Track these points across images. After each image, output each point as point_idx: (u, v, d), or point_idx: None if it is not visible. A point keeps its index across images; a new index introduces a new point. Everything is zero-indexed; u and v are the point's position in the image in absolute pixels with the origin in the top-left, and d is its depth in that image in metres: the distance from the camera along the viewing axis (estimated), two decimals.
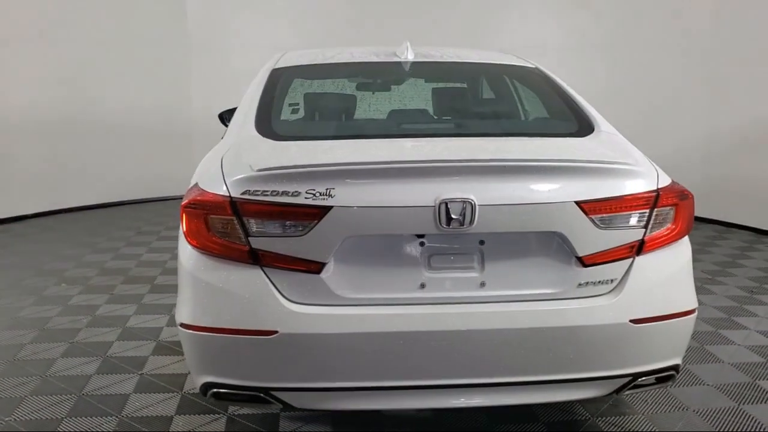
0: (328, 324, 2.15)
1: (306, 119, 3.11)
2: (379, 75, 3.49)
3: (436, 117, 3.17)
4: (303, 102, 3.16)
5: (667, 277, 2.34)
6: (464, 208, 2.12)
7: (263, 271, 2.20)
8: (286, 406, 2.25)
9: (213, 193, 2.24)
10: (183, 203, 2.31)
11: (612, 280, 2.27)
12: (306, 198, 2.14)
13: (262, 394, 2.23)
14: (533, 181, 2.20)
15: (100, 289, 4.58)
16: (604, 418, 2.88)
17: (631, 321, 2.24)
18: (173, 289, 4.26)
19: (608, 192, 2.23)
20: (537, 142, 2.51)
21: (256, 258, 2.20)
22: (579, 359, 2.23)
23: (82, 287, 4.64)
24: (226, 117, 4.85)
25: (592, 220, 2.21)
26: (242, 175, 2.21)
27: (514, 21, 7.92)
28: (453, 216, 2.13)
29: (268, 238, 2.19)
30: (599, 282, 2.26)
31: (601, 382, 2.28)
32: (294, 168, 2.18)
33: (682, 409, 2.95)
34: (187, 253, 2.31)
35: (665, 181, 2.35)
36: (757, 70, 6.24)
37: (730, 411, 2.94)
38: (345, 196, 2.13)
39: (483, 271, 2.23)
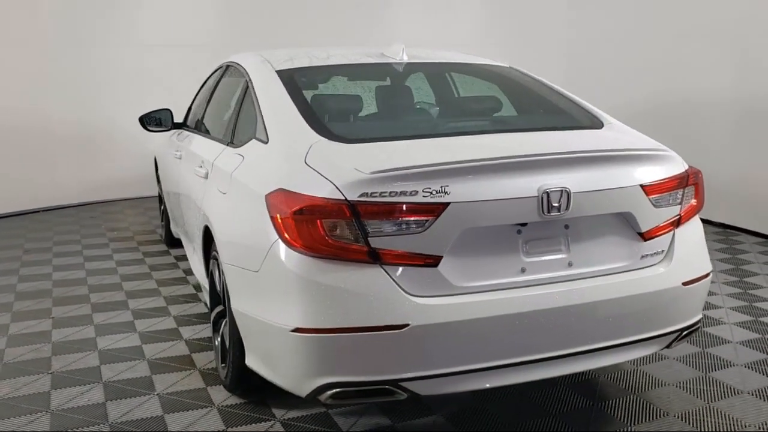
0: (452, 313, 2.29)
1: (355, 121, 3.16)
2: (389, 75, 3.61)
3: (469, 114, 3.35)
4: (327, 103, 3.20)
5: (695, 244, 2.76)
6: (561, 196, 2.37)
7: (383, 268, 2.28)
8: (411, 395, 2.35)
9: (325, 198, 2.27)
10: (290, 210, 2.31)
11: (662, 251, 2.64)
12: (424, 196, 2.26)
13: (389, 387, 2.31)
14: (611, 168, 2.50)
15: (35, 314, 4.19)
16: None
17: (682, 283, 2.63)
18: (118, 305, 4.08)
19: (660, 175, 2.60)
20: (582, 134, 2.82)
21: (376, 257, 2.27)
22: (647, 320, 2.58)
23: (10, 314, 4.21)
24: (147, 121, 4.68)
25: (650, 200, 2.57)
26: (356, 179, 2.27)
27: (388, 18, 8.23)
28: (553, 204, 2.36)
29: (387, 237, 2.27)
30: (655, 253, 2.63)
31: (660, 338, 2.65)
32: (410, 168, 2.29)
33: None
34: (293, 258, 2.32)
35: (685, 163, 2.77)
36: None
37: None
38: (459, 192, 2.28)
39: (569, 252, 2.49)
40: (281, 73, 3.19)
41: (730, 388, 3.15)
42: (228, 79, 4.05)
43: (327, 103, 3.18)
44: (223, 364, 3.13)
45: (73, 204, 7.58)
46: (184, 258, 5.34)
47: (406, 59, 3.44)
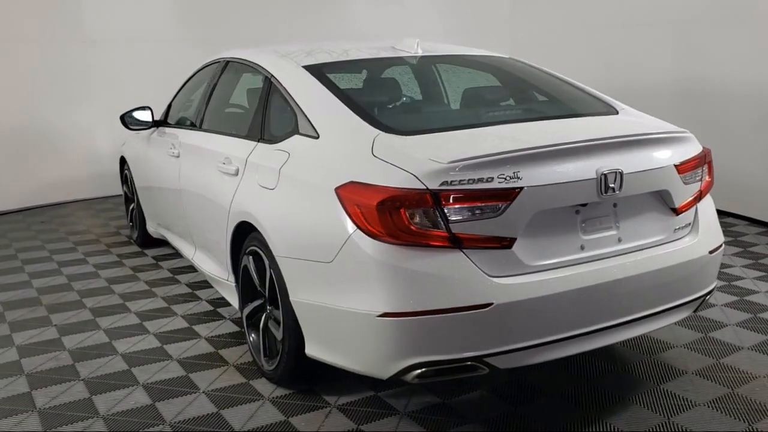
0: (528, 290, 2.46)
1: (402, 113, 3.24)
2: (411, 68, 3.71)
3: (503, 103, 3.50)
4: (369, 97, 3.28)
5: (712, 216, 3.05)
6: (616, 178, 2.58)
7: (463, 252, 2.42)
8: (492, 369, 2.50)
9: (407, 188, 2.38)
10: (373, 202, 2.40)
11: (689, 224, 2.91)
12: (499, 182, 2.41)
13: (474, 363, 2.45)
14: (651, 150, 2.74)
15: (34, 323, 4.05)
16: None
17: (709, 252, 2.91)
18: (117, 309, 4.03)
19: (687, 154, 2.85)
20: (613, 119, 3.05)
21: (457, 242, 2.41)
22: (683, 287, 2.84)
23: (7, 324, 4.05)
24: (129, 120, 4.62)
25: (681, 178, 2.82)
26: (435, 168, 2.39)
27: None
28: (609, 185, 2.57)
29: (466, 222, 2.41)
30: (685, 226, 2.89)
31: (690, 304, 2.92)
32: (485, 157, 2.43)
33: None
34: (377, 247, 2.42)
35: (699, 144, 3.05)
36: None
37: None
38: (530, 177, 2.45)
39: (618, 229, 2.70)
40: (309, 69, 3.25)
41: (732, 345, 3.49)
42: (230, 75, 4.04)
43: (368, 97, 3.26)
44: (267, 357, 3.18)
45: (15, 209, 7.24)
46: (163, 258, 5.27)
47: (421, 52, 3.57)
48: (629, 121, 3.07)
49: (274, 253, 2.90)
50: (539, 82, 3.55)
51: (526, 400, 3.01)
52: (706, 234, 2.93)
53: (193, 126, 4.23)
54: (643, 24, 6.67)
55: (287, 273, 2.84)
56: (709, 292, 3.00)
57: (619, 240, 2.70)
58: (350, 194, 2.52)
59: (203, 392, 3.15)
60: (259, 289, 3.22)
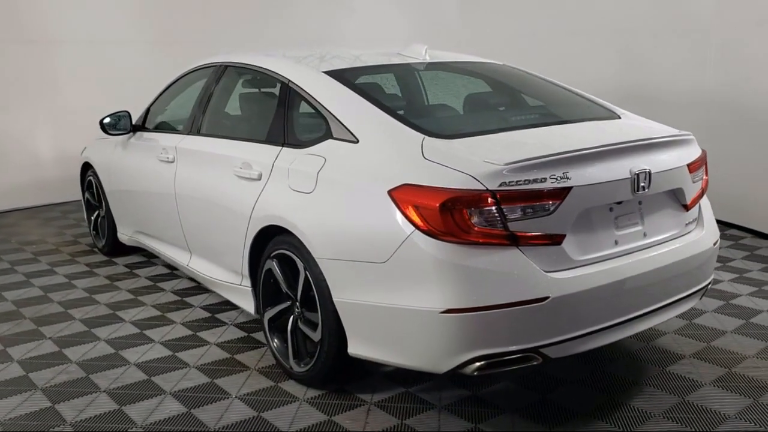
0: (578, 283, 2.63)
1: (436, 117, 3.33)
2: (423, 75, 3.81)
3: (521, 108, 3.64)
4: (401, 102, 3.37)
5: (710, 211, 3.33)
6: (647, 177, 2.80)
7: (520, 249, 2.57)
8: (545, 359, 2.65)
9: (469, 189, 2.51)
10: (436, 203, 2.51)
11: (695, 219, 3.17)
12: (551, 182, 2.57)
13: (530, 354, 2.60)
14: (671, 151, 2.98)
15: (25, 337, 3.89)
16: None
17: (713, 244, 3.18)
18: (110, 319, 3.99)
19: (694, 155, 3.12)
20: (623, 123, 3.27)
21: (514, 239, 2.55)
22: (695, 277, 3.10)
23: None
24: (108, 125, 4.55)
25: (691, 176, 3.08)
26: (493, 170, 2.53)
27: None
28: (641, 184, 2.78)
29: (522, 221, 2.56)
30: (692, 221, 3.15)
31: (699, 292, 3.18)
32: (539, 158, 2.58)
33: None
34: (439, 246, 2.52)
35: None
36: None
37: None
38: (577, 176, 2.63)
39: (644, 225, 2.92)
40: (332, 74, 3.31)
41: (716, 330, 3.80)
42: (231, 80, 4.03)
43: (397, 101, 3.35)
44: (296, 359, 3.21)
45: None
46: (137, 266, 5.16)
47: (429, 59, 3.70)
48: (639, 124, 3.31)
49: (314, 256, 2.95)
50: (545, 88, 3.74)
51: (549, 388, 3.19)
52: (708, 228, 3.21)
53: (187, 131, 4.16)
54: (587, 32, 7.05)
55: (330, 274, 2.89)
56: (711, 282, 3.27)
57: (645, 235, 2.92)
58: (406, 196, 2.61)
59: (236, 397, 3.15)
60: (286, 292, 3.25)
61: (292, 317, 3.24)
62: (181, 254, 4.28)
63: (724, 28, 5.78)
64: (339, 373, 3.14)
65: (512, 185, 2.52)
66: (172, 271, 5.01)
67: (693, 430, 2.82)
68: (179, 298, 4.46)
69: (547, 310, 2.56)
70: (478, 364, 2.58)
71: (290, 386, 3.24)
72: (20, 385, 3.30)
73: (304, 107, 3.35)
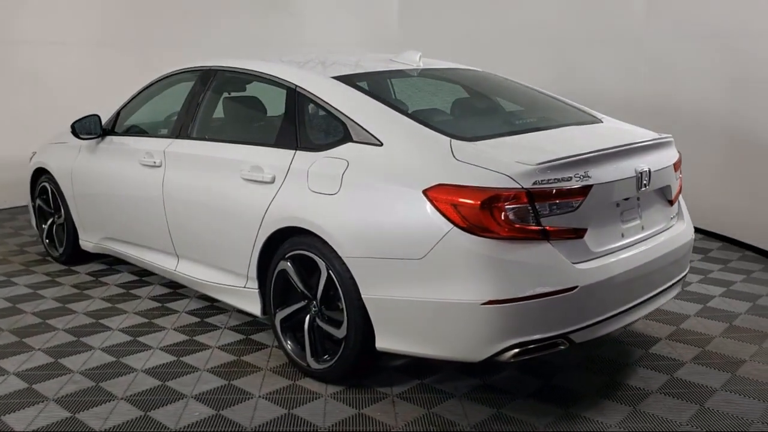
0: (600, 273, 2.88)
1: (454, 120, 3.48)
2: (428, 81, 3.96)
3: (521, 113, 3.83)
4: (417, 105, 3.50)
5: (685, 207, 3.68)
6: (648, 175, 3.09)
7: (550, 243, 2.78)
8: (571, 344, 2.88)
9: (506, 188, 2.70)
10: (476, 201, 2.69)
11: (676, 214, 3.51)
12: (576, 180, 2.81)
13: (560, 339, 2.82)
14: (663, 152, 3.30)
15: (11, 349, 3.74)
16: None
17: (693, 236, 3.53)
18: (96, 328, 3.99)
19: (676, 155, 3.46)
20: (612, 126, 3.57)
21: (546, 234, 2.77)
22: (681, 266, 3.43)
23: None
24: (79, 129, 4.49)
25: (675, 175, 3.41)
26: (526, 169, 2.74)
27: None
28: (644, 181, 3.08)
29: (552, 216, 2.78)
30: (675, 215, 3.48)
31: (682, 280, 3.51)
32: (567, 158, 2.81)
33: None
34: (478, 242, 2.70)
35: None
36: None
37: None
38: (597, 175, 2.88)
39: (642, 219, 3.21)
40: (341, 80, 3.42)
41: (680, 314, 4.18)
42: (223, 85, 4.04)
43: (412, 106, 3.48)
44: (313, 357, 3.29)
45: None
46: (101, 274, 5.04)
47: (422, 65, 3.87)
48: (626, 128, 3.62)
49: (341, 255, 3.05)
50: (532, 94, 3.98)
51: (552, 374, 3.43)
52: (687, 221, 3.56)
53: (175, 135, 4.12)
54: (525, 42, 7.44)
55: (359, 272, 3.00)
56: (688, 270, 3.63)
57: (642, 228, 3.21)
58: (442, 195, 2.77)
59: (260, 397, 3.20)
60: (302, 291, 3.32)
61: (308, 316, 3.31)
62: (166, 259, 4.23)
63: (653, 40, 6.28)
64: (362, 369, 3.24)
65: (543, 183, 2.74)
66: (141, 278, 4.93)
67: (690, 402, 3.13)
68: (160, 305, 4.41)
69: (575, 299, 2.79)
70: (513, 351, 2.77)
71: (309, 383, 3.32)
72: (28, 397, 3.20)
73: (315, 111, 3.44)
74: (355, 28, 8.34)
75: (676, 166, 3.43)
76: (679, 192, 3.54)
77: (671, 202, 3.42)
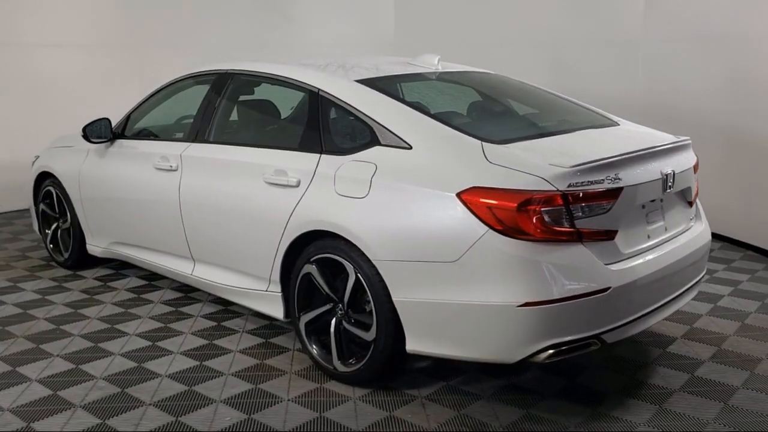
0: (631, 274, 2.92)
1: (479, 123, 3.50)
2: (445, 84, 3.97)
3: (542, 116, 3.86)
4: (440, 108, 3.53)
5: (701, 208, 3.74)
6: (673, 177, 3.14)
7: (584, 245, 2.82)
8: (603, 344, 2.91)
9: (541, 190, 2.73)
10: (514, 204, 2.72)
11: (695, 215, 3.57)
12: (608, 183, 2.85)
13: (593, 339, 2.85)
14: (684, 154, 3.35)
15: (28, 356, 3.71)
16: None
17: (712, 236, 3.59)
18: (112, 333, 4.04)
19: (695, 158, 3.51)
20: (632, 129, 3.61)
21: (579, 236, 2.80)
22: (701, 266, 3.49)
23: None
24: (90, 132, 4.47)
25: (694, 177, 3.47)
26: (560, 172, 2.77)
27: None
28: (669, 183, 3.13)
29: (586, 218, 2.82)
30: (694, 216, 3.54)
31: (701, 281, 3.57)
32: (599, 161, 2.85)
33: None
34: (514, 244, 2.73)
35: None
36: None
37: None
38: (627, 177, 2.92)
39: (665, 220, 3.26)
40: (365, 83, 3.43)
41: (692, 314, 4.24)
42: (241, 88, 4.03)
43: (437, 109, 3.50)
44: (340, 360, 3.30)
45: None
46: (109, 278, 5.00)
47: (441, 68, 3.90)
48: (644, 130, 3.66)
49: (371, 258, 3.05)
50: (550, 97, 4.02)
51: (574, 374, 3.47)
52: (705, 222, 3.62)
53: (191, 139, 4.09)
54: (522, 43, 7.50)
55: (389, 275, 3.02)
56: (705, 271, 3.69)
57: (666, 229, 3.26)
58: (477, 198, 2.79)
59: (289, 400, 3.20)
60: (328, 294, 3.33)
61: (334, 319, 3.32)
62: (181, 263, 4.21)
63: (650, 42, 6.37)
64: (390, 371, 3.26)
65: (577, 186, 2.77)
66: (150, 282, 4.89)
67: (714, 400, 3.18)
68: (173, 309, 4.39)
69: (608, 300, 2.83)
70: (548, 352, 2.80)
71: (336, 386, 3.33)
72: (54, 404, 3.17)
73: (339, 115, 3.45)
74: (351, 30, 8.34)
75: (695, 168, 3.49)
76: (697, 194, 3.60)
77: (690, 204, 3.48)
